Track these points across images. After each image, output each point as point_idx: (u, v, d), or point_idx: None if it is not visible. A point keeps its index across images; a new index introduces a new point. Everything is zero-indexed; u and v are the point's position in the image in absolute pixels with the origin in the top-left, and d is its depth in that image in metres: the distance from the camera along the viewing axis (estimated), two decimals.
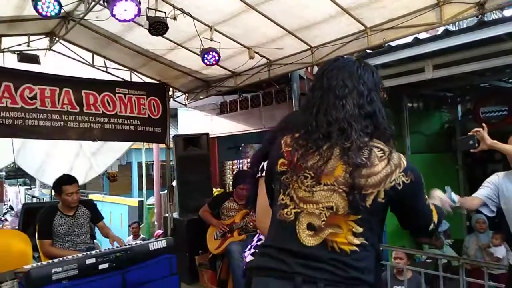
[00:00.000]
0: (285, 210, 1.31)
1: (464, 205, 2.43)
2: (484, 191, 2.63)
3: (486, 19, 3.50)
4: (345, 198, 1.22)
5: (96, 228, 4.00)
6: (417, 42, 3.81)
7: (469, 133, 2.50)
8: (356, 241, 1.22)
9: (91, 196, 9.39)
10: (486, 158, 6.87)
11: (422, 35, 3.83)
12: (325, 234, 1.23)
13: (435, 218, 1.38)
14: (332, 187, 1.24)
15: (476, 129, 2.44)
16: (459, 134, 6.46)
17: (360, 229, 1.22)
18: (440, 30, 3.71)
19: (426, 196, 1.37)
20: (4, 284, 3.09)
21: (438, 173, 5.76)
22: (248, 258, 2.08)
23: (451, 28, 3.93)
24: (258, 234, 2.14)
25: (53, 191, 4.08)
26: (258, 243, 2.11)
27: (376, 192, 1.22)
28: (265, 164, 1.82)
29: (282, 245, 1.28)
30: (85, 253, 3.13)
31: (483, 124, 2.46)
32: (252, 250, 2.10)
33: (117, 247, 3.36)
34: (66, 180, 3.65)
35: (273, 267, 1.27)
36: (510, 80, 5.80)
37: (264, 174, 1.68)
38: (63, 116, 4.74)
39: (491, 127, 6.14)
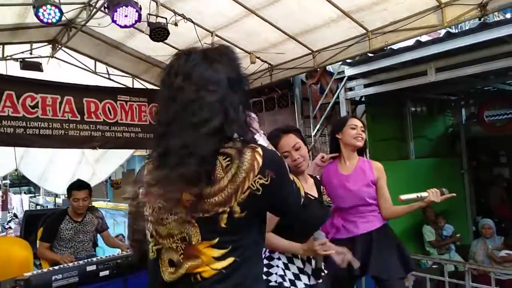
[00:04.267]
0: (149, 247, 1.21)
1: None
2: None
3: (488, 21, 3.48)
4: (195, 225, 1.10)
5: (98, 236, 3.99)
6: (419, 44, 3.79)
7: None
8: (221, 264, 1.09)
9: (94, 204, 9.36)
10: (491, 162, 6.82)
11: (424, 38, 3.81)
12: (184, 269, 1.11)
13: (302, 191, 1.27)
14: (181, 215, 1.11)
15: None
16: (464, 138, 6.43)
17: (223, 251, 1.09)
18: (442, 32, 3.69)
19: (291, 176, 1.20)
20: None
21: (443, 177, 5.70)
22: None
23: (453, 30, 3.90)
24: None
25: (56, 199, 4.09)
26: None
27: (229, 209, 1.08)
28: None
29: (152, 286, 1.21)
30: (85, 260, 3.11)
31: None
32: (264, 269, 1.99)
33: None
34: (76, 186, 3.67)
35: None
36: None
37: None
38: (64, 124, 4.73)
39: (496, 131, 6.14)
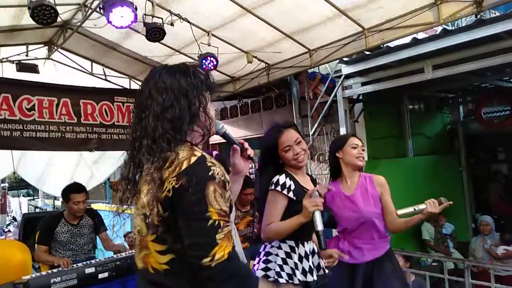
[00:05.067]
0: None
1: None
2: None
3: (485, 17, 3.47)
4: (143, 219, 1.22)
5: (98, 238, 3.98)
6: (415, 42, 3.78)
7: None
8: (163, 259, 1.17)
9: (93, 205, 9.35)
10: (489, 159, 6.83)
11: (421, 35, 3.81)
12: (140, 259, 1.25)
13: (218, 252, 1.08)
14: (137, 210, 1.26)
15: None
16: (462, 135, 6.43)
17: (163, 247, 1.17)
18: (439, 29, 3.68)
19: (212, 217, 1.10)
20: None
21: (441, 175, 5.71)
22: (258, 273, 2.02)
23: (450, 27, 3.90)
24: (264, 245, 2.12)
25: (55, 201, 4.06)
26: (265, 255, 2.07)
27: (156, 208, 1.14)
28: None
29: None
30: (84, 263, 3.10)
31: None
32: (262, 265, 2.04)
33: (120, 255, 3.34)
34: (75, 188, 3.63)
35: None
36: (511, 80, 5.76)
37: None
38: (60, 127, 4.72)
39: (494, 127, 6.14)
